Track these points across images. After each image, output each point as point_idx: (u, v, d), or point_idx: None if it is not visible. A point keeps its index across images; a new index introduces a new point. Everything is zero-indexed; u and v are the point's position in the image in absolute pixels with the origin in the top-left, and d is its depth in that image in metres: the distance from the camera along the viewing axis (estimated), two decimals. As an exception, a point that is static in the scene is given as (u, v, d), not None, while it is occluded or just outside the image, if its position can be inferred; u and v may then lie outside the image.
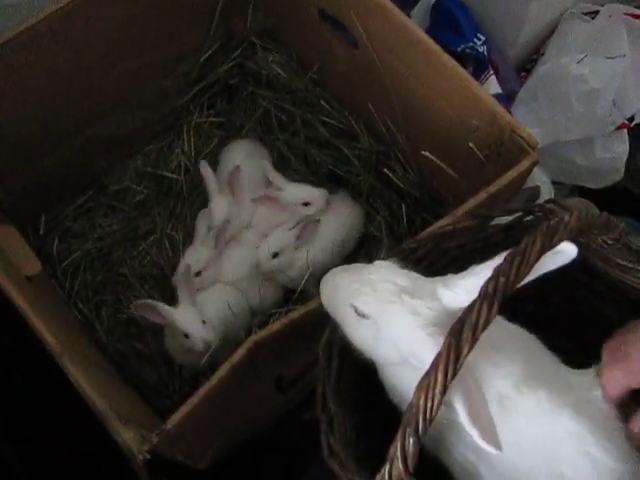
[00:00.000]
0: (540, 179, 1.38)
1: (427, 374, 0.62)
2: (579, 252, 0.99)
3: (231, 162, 1.39)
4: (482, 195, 0.99)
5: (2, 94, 1.18)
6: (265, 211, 1.36)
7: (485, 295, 0.64)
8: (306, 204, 1.32)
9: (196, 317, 1.17)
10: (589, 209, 1.37)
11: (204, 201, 1.43)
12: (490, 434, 0.67)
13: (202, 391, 0.87)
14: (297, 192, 1.33)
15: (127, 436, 0.84)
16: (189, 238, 1.42)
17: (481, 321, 0.62)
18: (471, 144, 1.12)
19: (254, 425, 1.23)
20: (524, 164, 1.01)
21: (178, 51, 1.40)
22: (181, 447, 0.95)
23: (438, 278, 0.79)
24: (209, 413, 0.92)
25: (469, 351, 0.62)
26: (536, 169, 1.34)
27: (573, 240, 0.80)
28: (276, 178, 1.34)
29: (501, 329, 0.83)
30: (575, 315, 1.10)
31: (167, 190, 1.48)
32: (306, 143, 1.44)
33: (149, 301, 1.20)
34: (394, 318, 0.76)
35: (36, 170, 1.34)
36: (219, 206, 1.32)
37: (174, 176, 1.47)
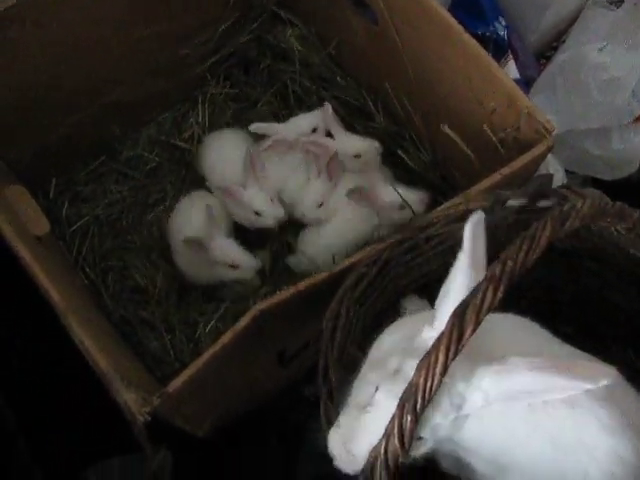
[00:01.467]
0: (554, 167, 1.37)
1: (428, 354, 0.62)
2: (589, 239, 0.99)
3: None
4: (496, 176, 0.98)
5: (17, 57, 1.17)
6: None
7: (491, 278, 0.63)
8: (357, 156, 1.29)
9: (265, 196, 1.28)
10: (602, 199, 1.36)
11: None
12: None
13: (205, 356, 0.87)
14: (350, 143, 1.30)
15: (129, 397, 0.84)
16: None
17: (485, 303, 0.62)
18: (485, 127, 1.11)
19: (254, 397, 1.23)
20: (540, 148, 1.00)
21: (196, 20, 1.39)
22: (181, 411, 0.95)
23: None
24: (211, 379, 0.92)
25: (472, 333, 0.62)
26: (550, 157, 1.34)
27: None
28: (332, 125, 1.31)
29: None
30: (580, 301, 1.10)
31: (179, 159, 1.48)
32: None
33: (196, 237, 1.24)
34: None
35: (49, 134, 1.34)
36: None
37: (187, 146, 1.47)
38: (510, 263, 0.64)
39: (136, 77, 1.39)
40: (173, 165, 1.48)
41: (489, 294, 0.62)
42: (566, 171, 1.42)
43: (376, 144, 1.29)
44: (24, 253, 0.96)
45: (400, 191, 1.23)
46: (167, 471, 1.14)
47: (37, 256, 0.97)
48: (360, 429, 0.72)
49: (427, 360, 0.62)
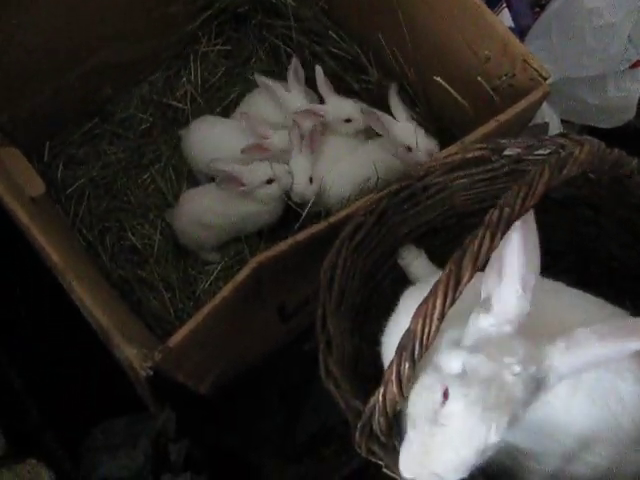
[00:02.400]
0: (549, 116, 1.36)
1: (426, 300, 0.62)
2: (586, 187, 0.99)
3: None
4: (492, 124, 0.97)
5: (5, 20, 1.16)
6: None
7: (489, 224, 0.63)
8: (347, 120, 1.29)
9: (306, 172, 1.26)
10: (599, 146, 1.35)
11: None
12: None
13: (205, 309, 0.88)
14: (341, 107, 1.30)
15: (130, 352, 0.85)
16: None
17: (483, 250, 0.62)
18: (480, 76, 1.10)
19: (256, 353, 1.24)
20: (535, 94, 1.00)
21: (186, -23, 1.38)
22: (183, 366, 0.95)
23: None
24: (211, 333, 0.93)
25: (469, 279, 0.62)
26: (545, 106, 1.33)
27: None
28: (324, 89, 1.31)
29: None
30: (578, 251, 1.10)
31: (173, 119, 1.47)
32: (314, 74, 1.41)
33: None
34: None
35: (40, 96, 1.32)
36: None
37: (180, 105, 1.46)
38: (507, 210, 0.63)
39: (125, 36, 1.37)
40: (167, 124, 1.47)
41: (486, 240, 0.62)
42: (562, 120, 1.42)
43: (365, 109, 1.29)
44: (21, 214, 0.96)
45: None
46: (171, 429, 1.15)
47: (34, 217, 0.97)
48: (440, 444, 0.65)
49: (424, 307, 0.62)
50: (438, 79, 1.15)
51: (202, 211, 1.29)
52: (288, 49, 1.47)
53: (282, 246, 0.91)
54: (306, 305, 1.16)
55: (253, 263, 0.90)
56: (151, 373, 0.85)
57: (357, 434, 0.71)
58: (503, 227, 0.63)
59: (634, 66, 1.35)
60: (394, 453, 0.70)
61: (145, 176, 1.43)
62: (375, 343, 0.87)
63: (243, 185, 1.24)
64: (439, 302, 0.62)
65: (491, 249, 0.63)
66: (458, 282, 0.62)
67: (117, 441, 1.15)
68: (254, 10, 1.49)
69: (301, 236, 0.91)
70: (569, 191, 1.00)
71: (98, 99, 1.44)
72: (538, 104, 1.02)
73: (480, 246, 0.62)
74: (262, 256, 0.90)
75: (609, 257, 1.07)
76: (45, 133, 1.40)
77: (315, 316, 0.85)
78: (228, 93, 1.49)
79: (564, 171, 0.68)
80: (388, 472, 0.73)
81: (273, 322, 1.16)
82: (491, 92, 1.09)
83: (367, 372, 0.87)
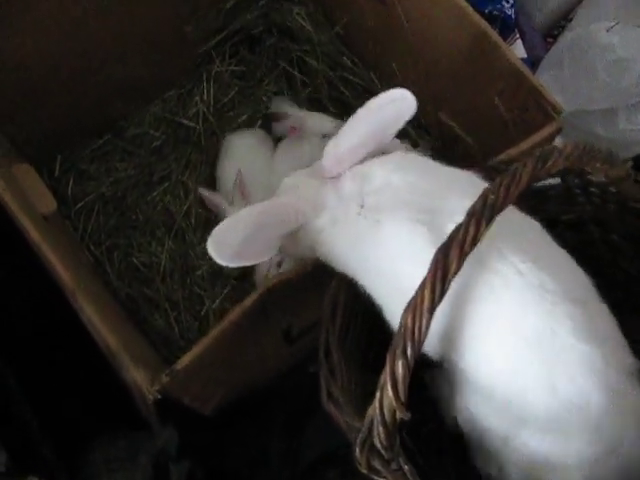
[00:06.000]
0: (559, 147, 1.36)
1: (415, 295, 0.61)
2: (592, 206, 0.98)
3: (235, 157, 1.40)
4: (502, 157, 0.97)
5: (20, 33, 1.16)
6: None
7: (473, 213, 0.63)
8: (325, 136, 1.29)
9: None
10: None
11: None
12: None
13: (213, 333, 0.88)
14: (321, 121, 1.32)
15: (138, 375, 0.85)
16: (203, 186, 1.43)
17: (468, 239, 0.62)
18: (492, 108, 1.10)
19: (260, 375, 1.24)
20: (548, 129, 1.00)
21: (202, -3, 1.38)
22: (189, 389, 0.95)
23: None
24: (218, 357, 0.93)
25: (457, 269, 0.62)
26: (556, 138, 1.33)
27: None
28: (297, 112, 1.34)
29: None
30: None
31: (184, 137, 1.47)
32: (327, 100, 1.42)
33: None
34: None
35: (53, 111, 1.33)
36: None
37: (192, 124, 1.47)
38: (492, 197, 0.64)
39: (141, 54, 1.38)
40: (178, 143, 1.47)
41: (471, 229, 0.62)
42: (571, 152, 1.42)
43: None
44: (32, 232, 0.96)
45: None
46: (173, 449, 1.15)
47: (45, 235, 0.97)
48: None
49: (414, 301, 0.61)
50: (442, 115, 1.16)
51: None
52: (302, 71, 1.48)
53: (291, 273, 0.91)
54: (312, 327, 1.16)
55: (262, 288, 0.90)
56: (159, 397, 0.85)
57: (357, 450, 0.69)
58: (488, 215, 0.63)
59: (645, 100, 1.36)
60: (397, 470, 0.68)
61: (154, 194, 1.43)
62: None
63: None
64: (427, 295, 0.61)
65: (477, 237, 0.63)
66: (446, 273, 0.62)
67: (117, 457, 1.15)
68: (269, 32, 1.50)
69: (310, 264, 0.91)
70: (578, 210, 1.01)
71: (111, 115, 1.45)
72: (551, 139, 1.02)
73: (466, 235, 0.62)
74: (271, 281, 0.90)
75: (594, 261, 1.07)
76: (57, 147, 1.41)
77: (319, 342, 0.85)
78: (240, 113, 1.49)
79: (549, 162, 0.68)
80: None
81: (278, 344, 1.16)
82: (504, 124, 1.10)
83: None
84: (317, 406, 0.85)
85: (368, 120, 0.85)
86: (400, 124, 0.85)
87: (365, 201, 0.79)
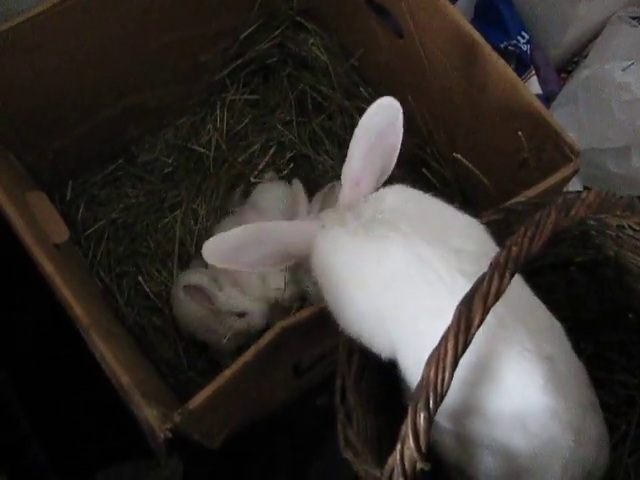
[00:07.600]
0: (572, 186, 1.36)
1: (438, 347, 0.61)
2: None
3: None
4: (519, 199, 0.97)
5: (38, 60, 1.16)
6: None
7: (497, 265, 0.63)
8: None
9: (244, 297, 1.21)
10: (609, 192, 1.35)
11: (232, 178, 1.45)
12: None
13: (227, 373, 0.87)
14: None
15: (150, 414, 0.84)
16: (213, 214, 1.43)
17: (492, 291, 0.62)
18: (520, 133, 1.08)
19: (268, 407, 1.23)
20: (565, 171, 0.99)
21: (217, 27, 1.38)
22: (200, 426, 0.95)
23: None
24: (230, 395, 0.92)
25: (481, 322, 0.61)
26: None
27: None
28: (299, 202, 1.28)
29: None
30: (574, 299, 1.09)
31: (196, 165, 1.47)
32: (341, 129, 1.42)
33: (198, 284, 1.19)
34: None
35: (68, 137, 1.33)
36: None
37: (204, 151, 1.47)
38: (515, 249, 0.64)
39: (155, 83, 1.38)
40: (190, 170, 1.47)
41: (495, 281, 0.62)
42: (585, 188, 1.42)
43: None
44: (44, 263, 0.95)
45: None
46: (178, 479, 1.14)
47: (57, 266, 0.96)
48: None
49: (436, 353, 0.61)
50: (458, 156, 1.15)
51: None
52: (316, 101, 1.48)
53: (306, 313, 0.90)
54: (319, 360, 1.15)
55: (277, 328, 0.89)
56: (170, 435, 0.84)
57: (376, 497, 0.69)
58: (512, 267, 0.63)
59: (659, 139, 1.36)
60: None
61: (165, 221, 1.43)
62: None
63: (211, 304, 1.19)
64: (451, 347, 0.61)
65: (500, 289, 0.62)
66: (469, 326, 0.61)
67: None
68: (283, 62, 1.50)
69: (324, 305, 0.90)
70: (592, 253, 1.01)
71: (123, 141, 1.45)
72: (567, 180, 1.02)
73: (489, 287, 0.62)
74: (286, 322, 0.89)
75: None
76: (69, 173, 1.41)
77: (332, 375, 0.85)
78: (252, 142, 1.49)
79: (572, 212, 0.69)
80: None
81: (288, 377, 1.15)
82: (520, 163, 1.09)
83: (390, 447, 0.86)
84: (325, 438, 0.85)
85: (366, 134, 0.87)
86: (396, 131, 0.88)
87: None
